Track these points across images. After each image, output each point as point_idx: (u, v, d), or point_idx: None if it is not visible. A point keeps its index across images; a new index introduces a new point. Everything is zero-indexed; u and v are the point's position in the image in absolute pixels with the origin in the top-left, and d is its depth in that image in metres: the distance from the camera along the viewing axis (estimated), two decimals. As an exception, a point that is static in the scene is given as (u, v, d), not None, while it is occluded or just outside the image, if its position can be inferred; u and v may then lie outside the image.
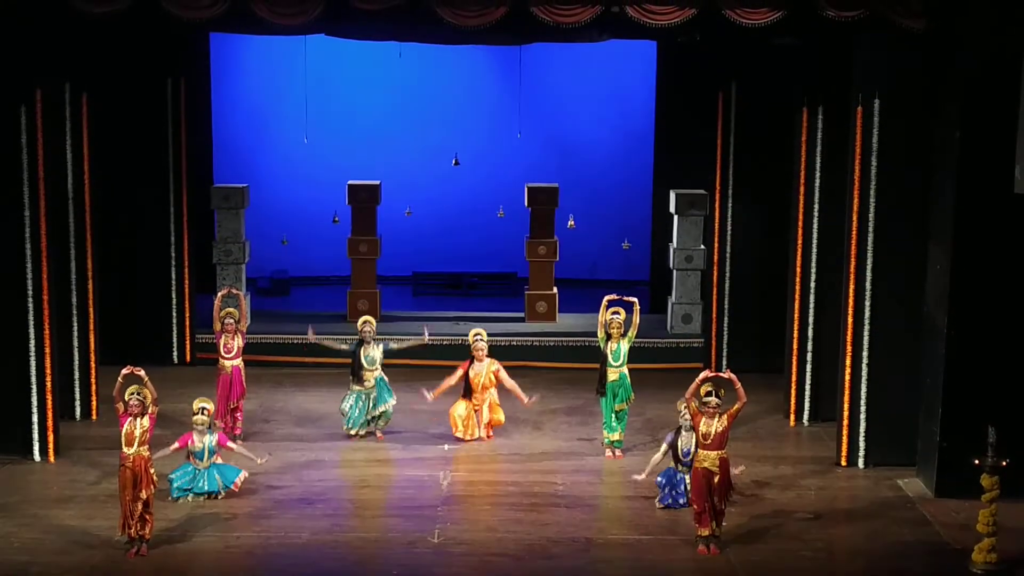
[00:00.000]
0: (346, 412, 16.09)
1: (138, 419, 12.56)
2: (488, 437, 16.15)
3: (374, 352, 16.02)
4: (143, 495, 12.50)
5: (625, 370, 15.30)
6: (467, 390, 16.08)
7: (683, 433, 13.76)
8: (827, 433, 16.14)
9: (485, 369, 16.04)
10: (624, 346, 15.28)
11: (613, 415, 15.38)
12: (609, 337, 15.27)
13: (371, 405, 16.04)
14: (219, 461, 14.19)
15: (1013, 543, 12.75)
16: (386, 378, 16.15)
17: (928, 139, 14.47)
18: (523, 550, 12.84)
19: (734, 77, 18.49)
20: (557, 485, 14.65)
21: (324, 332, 19.22)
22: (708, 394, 12.73)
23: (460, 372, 16.09)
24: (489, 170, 23.10)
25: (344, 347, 16.33)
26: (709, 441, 12.65)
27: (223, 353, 15.72)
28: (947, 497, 14.10)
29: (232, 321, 15.71)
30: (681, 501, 13.75)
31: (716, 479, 12.65)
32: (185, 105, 18.85)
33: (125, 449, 12.54)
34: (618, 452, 15.42)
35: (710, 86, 18.86)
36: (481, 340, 16.07)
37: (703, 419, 12.70)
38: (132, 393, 12.64)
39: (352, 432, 16.11)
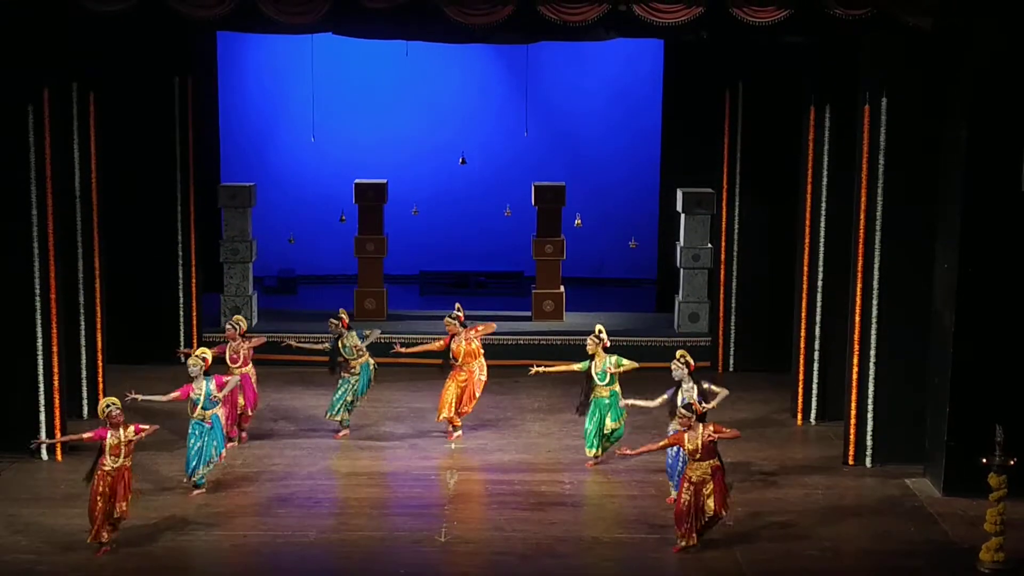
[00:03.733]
0: (333, 400, 16.14)
1: (120, 429, 12.54)
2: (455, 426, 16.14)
3: (352, 341, 16.09)
4: (122, 507, 12.54)
5: (617, 388, 15.07)
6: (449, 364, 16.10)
7: (683, 386, 13.80)
8: (834, 432, 16.12)
9: (463, 339, 16.01)
10: (610, 365, 14.99)
11: (597, 433, 15.07)
12: (592, 356, 15.05)
13: (357, 389, 16.08)
14: (221, 416, 14.25)
15: (1021, 542, 12.74)
16: (371, 363, 16.20)
17: (936, 137, 14.45)
18: (529, 549, 12.84)
19: (741, 76, 18.49)
20: (564, 484, 14.65)
21: (329, 331, 19.27)
22: (684, 407, 12.79)
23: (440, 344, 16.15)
24: (496, 169, 23.11)
25: (323, 346, 16.38)
26: (699, 455, 12.62)
27: (228, 363, 15.66)
28: (955, 496, 14.09)
29: (232, 328, 15.72)
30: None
31: (709, 487, 12.63)
32: (192, 104, 18.86)
33: (109, 460, 12.52)
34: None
35: (717, 85, 18.84)
36: (450, 316, 16.08)
37: (686, 435, 12.66)
38: (109, 404, 12.62)
39: (329, 417, 16.09)
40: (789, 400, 17.20)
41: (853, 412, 15.22)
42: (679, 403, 13.57)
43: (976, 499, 13.21)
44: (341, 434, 16.18)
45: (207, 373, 14.18)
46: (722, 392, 13.86)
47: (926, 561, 12.73)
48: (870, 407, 15.13)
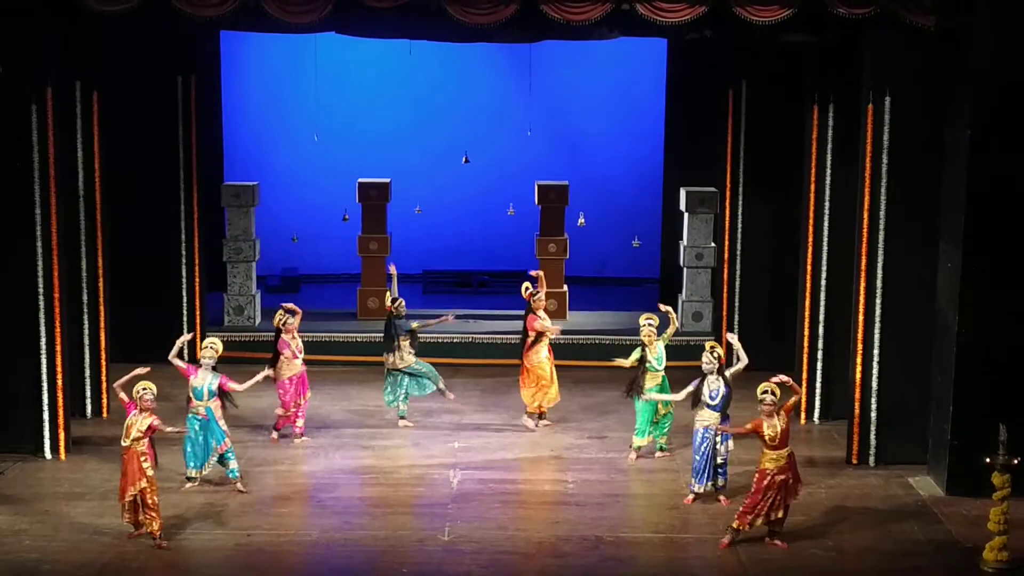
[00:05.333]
0: (397, 396, 16.45)
1: (142, 415, 12.70)
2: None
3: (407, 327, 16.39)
4: (135, 488, 12.64)
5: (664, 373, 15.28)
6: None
7: (708, 378, 13.89)
8: (838, 431, 16.13)
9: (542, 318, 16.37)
10: (663, 348, 15.16)
11: (651, 420, 15.25)
12: (645, 345, 15.16)
13: (408, 380, 16.38)
14: (215, 408, 14.31)
15: (1024, 541, 12.75)
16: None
17: (939, 137, 14.45)
18: (533, 548, 12.85)
19: (744, 75, 18.47)
20: (567, 483, 14.66)
21: (333, 330, 19.31)
22: (763, 392, 12.82)
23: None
24: (499, 168, 23.09)
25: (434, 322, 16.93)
26: (776, 442, 12.73)
27: (290, 356, 15.75)
28: (958, 495, 14.10)
29: (293, 322, 15.80)
30: (720, 482, 14.05)
31: (788, 475, 12.76)
32: (196, 103, 18.85)
33: (122, 440, 12.82)
34: (664, 453, 15.44)
35: (720, 84, 18.83)
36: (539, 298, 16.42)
37: (765, 422, 12.77)
38: (146, 388, 12.80)
39: (393, 406, 16.48)
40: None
41: (856, 411, 15.22)
42: (707, 395, 13.85)
43: (980, 498, 13.21)
44: (403, 423, 16.49)
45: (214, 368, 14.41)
46: (743, 360, 14.05)
47: (929, 560, 12.73)
48: (873, 406, 15.14)
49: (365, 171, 21.26)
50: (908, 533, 13.35)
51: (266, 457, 15.32)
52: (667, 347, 15.32)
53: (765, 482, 12.77)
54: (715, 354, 14.02)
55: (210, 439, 14.24)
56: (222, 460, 14.28)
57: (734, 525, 12.84)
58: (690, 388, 14.06)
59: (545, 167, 22.25)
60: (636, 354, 15.18)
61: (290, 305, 15.98)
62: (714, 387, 13.88)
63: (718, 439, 13.93)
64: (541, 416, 16.52)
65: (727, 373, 14.06)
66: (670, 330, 15.29)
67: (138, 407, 12.76)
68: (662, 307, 15.56)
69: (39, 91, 14.67)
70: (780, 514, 12.85)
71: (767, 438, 12.74)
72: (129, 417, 12.75)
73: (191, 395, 14.28)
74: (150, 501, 12.68)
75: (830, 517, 13.71)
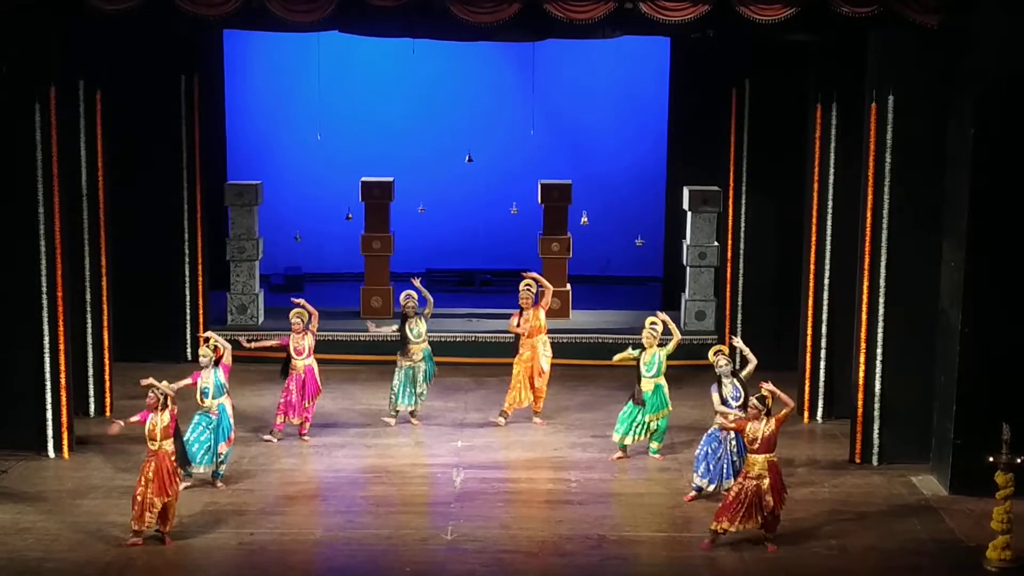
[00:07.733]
0: (395, 389, 16.40)
1: (158, 414, 12.70)
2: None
3: (419, 326, 16.33)
4: (168, 495, 12.64)
5: (661, 381, 15.18)
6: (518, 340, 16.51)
7: (723, 381, 13.97)
8: (841, 430, 16.12)
9: (531, 316, 16.41)
10: (660, 356, 15.17)
11: (633, 422, 15.19)
12: (643, 348, 15.19)
13: (419, 379, 16.35)
14: (228, 404, 14.39)
15: (1028, 541, 12.74)
16: (431, 352, 16.58)
17: (942, 136, 14.44)
18: (536, 547, 12.84)
19: (747, 73, 18.47)
20: (570, 482, 14.66)
21: (338, 328, 19.33)
22: (760, 399, 12.85)
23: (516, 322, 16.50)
24: (502, 167, 23.09)
25: (393, 329, 16.59)
26: (756, 445, 12.69)
27: (293, 354, 15.75)
28: (961, 495, 14.08)
29: (299, 321, 15.80)
30: (726, 484, 13.86)
31: (766, 483, 12.66)
32: (199, 102, 18.88)
33: (150, 445, 12.71)
34: (656, 456, 15.39)
35: (723, 82, 18.84)
36: (528, 289, 16.45)
37: (749, 424, 12.75)
38: (149, 389, 12.83)
39: (398, 409, 16.39)
40: (796, 398, 17.16)
41: (860, 410, 15.22)
42: (729, 397, 13.89)
43: (983, 498, 13.18)
44: (407, 409, 16.48)
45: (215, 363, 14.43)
46: (752, 361, 14.21)
47: (932, 559, 12.72)
48: (877, 405, 15.13)
49: (368, 170, 21.27)
50: (911, 532, 13.35)
51: (270, 456, 15.33)
52: (666, 345, 15.30)
53: (737, 482, 12.80)
54: (725, 356, 14.05)
55: (220, 438, 14.27)
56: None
57: (712, 527, 12.82)
58: (717, 398, 14.02)
59: (548, 166, 22.25)
60: (628, 352, 15.19)
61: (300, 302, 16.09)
62: (731, 390, 13.93)
63: (732, 437, 13.92)
64: (504, 415, 16.59)
65: (742, 375, 14.09)
66: (672, 344, 15.20)
67: (147, 408, 12.78)
68: (660, 315, 15.31)
69: (42, 90, 14.68)
70: (758, 521, 12.74)
71: (747, 440, 12.75)
72: (147, 423, 12.70)
73: (200, 397, 14.28)
74: (175, 505, 12.81)
75: (833, 516, 13.70)
